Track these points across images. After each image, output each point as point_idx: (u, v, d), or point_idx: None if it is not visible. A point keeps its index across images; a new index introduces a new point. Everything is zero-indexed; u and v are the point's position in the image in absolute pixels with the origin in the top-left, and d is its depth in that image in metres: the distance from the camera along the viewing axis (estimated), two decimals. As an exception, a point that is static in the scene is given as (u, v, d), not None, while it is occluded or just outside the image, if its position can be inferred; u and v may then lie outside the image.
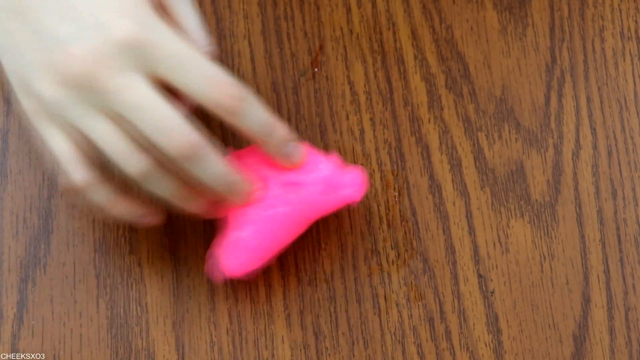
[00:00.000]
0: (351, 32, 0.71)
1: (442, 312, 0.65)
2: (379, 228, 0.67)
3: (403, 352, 0.64)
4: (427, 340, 0.65)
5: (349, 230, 0.67)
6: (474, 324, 0.65)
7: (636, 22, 0.71)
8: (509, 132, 0.69)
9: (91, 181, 0.59)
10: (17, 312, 0.65)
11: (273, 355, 0.64)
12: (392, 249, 0.66)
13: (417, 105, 0.69)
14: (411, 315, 0.65)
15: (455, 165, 0.68)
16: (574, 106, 0.69)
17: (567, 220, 0.67)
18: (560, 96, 0.69)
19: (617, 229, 0.67)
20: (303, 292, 0.66)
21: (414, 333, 0.65)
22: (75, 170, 0.59)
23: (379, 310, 0.65)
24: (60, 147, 0.59)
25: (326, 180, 0.62)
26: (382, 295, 0.65)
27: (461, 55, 0.70)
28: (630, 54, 0.70)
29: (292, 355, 0.64)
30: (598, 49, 0.71)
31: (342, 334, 0.65)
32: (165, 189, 0.60)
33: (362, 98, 0.69)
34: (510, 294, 0.66)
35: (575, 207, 0.67)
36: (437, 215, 0.67)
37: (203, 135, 0.58)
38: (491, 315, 0.65)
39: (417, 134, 0.69)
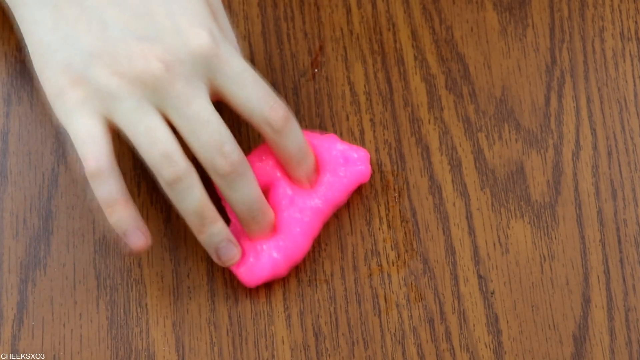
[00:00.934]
0: (351, 32, 0.71)
1: (442, 312, 0.65)
2: (379, 229, 0.67)
3: (403, 352, 0.64)
4: (427, 341, 0.65)
5: (349, 231, 0.67)
6: (474, 325, 0.65)
7: (636, 23, 0.71)
8: (509, 132, 0.69)
9: (105, 169, 0.60)
10: (17, 313, 0.65)
11: (273, 356, 0.64)
12: (392, 249, 0.66)
13: (417, 105, 0.69)
14: (411, 316, 0.65)
15: (455, 166, 0.68)
16: (574, 107, 0.69)
17: (567, 220, 0.67)
18: (560, 97, 0.69)
19: (617, 229, 0.67)
20: (303, 292, 0.66)
21: (414, 334, 0.65)
22: (95, 155, 0.59)
23: (379, 311, 0.65)
24: (88, 130, 0.60)
25: (344, 154, 0.65)
26: (382, 295, 0.65)
27: (461, 56, 0.70)
28: (631, 54, 0.70)
29: (292, 356, 0.64)
30: (598, 50, 0.71)
31: (342, 334, 0.65)
32: (191, 201, 0.60)
33: (362, 99, 0.69)
34: (510, 295, 0.66)
35: (575, 208, 0.67)
36: (437, 216, 0.67)
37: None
38: (491, 316, 0.65)
39: (417, 135, 0.69)
